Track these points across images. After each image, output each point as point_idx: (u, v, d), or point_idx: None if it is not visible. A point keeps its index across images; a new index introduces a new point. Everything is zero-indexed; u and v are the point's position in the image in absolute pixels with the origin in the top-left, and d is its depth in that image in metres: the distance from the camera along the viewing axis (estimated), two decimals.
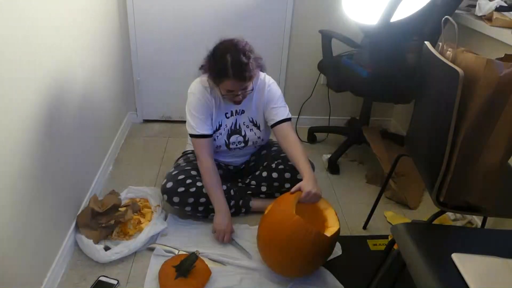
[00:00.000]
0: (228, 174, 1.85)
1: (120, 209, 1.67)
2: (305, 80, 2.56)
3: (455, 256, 0.93)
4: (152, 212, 1.72)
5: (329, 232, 1.41)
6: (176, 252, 1.56)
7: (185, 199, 1.66)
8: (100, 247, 1.50)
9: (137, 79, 2.52)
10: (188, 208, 1.68)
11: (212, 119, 1.69)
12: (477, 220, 1.80)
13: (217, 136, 1.74)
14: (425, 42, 1.21)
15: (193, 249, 1.54)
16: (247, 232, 1.70)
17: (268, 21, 2.40)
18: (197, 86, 1.66)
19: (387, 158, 2.08)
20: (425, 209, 1.94)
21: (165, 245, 1.59)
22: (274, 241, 1.40)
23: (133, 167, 2.14)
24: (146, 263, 1.52)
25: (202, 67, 1.61)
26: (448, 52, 1.10)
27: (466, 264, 0.91)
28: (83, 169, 1.74)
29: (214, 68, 1.55)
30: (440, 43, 1.16)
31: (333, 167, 2.20)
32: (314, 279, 1.49)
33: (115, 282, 1.43)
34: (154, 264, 1.50)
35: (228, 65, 1.49)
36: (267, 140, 1.90)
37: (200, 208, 1.70)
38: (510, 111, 0.92)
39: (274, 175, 1.76)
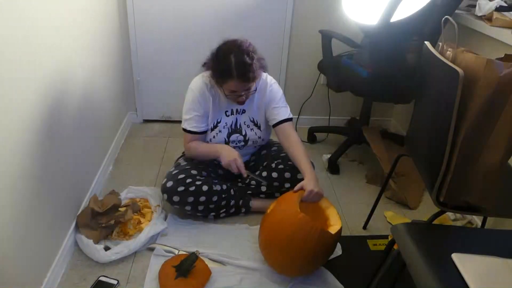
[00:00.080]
0: (228, 174, 1.85)
1: (120, 209, 1.67)
2: (305, 80, 2.56)
3: (455, 256, 0.93)
4: (152, 212, 1.72)
5: (332, 230, 1.41)
6: (176, 252, 1.56)
7: (185, 198, 1.66)
8: (100, 247, 1.50)
9: (137, 79, 2.52)
10: (188, 208, 1.68)
11: (208, 117, 1.70)
12: (477, 220, 1.80)
13: (217, 134, 1.74)
14: (425, 42, 1.21)
15: (193, 249, 1.54)
16: (247, 232, 1.70)
17: (268, 21, 2.40)
18: (197, 83, 1.67)
19: (387, 158, 2.08)
20: (425, 209, 1.94)
21: (165, 245, 1.59)
22: (278, 239, 1.39)
23: (133, 167, 2.14)
24: (146, 263, 1.52)
25: (205, 64, 1.62)
26: (448, 52, 1.10)
27: (466, 264, 0.91)
28: (83, 169, 1.74)
29: (217, 69, 1.55)
30: (440, 43, 1.16)
31: (333, 167, 2.20)
32: (314, 279, 1.49)
33: (115, 282, 1.43)
34: (154, 264, 1.50)
35: (232, 66, 1.50)
36: (268, 140, 1.90)
37: (200, 208, 1.70)
38: (510, 111, 0.92)
39: (274, 175, 1.76)
